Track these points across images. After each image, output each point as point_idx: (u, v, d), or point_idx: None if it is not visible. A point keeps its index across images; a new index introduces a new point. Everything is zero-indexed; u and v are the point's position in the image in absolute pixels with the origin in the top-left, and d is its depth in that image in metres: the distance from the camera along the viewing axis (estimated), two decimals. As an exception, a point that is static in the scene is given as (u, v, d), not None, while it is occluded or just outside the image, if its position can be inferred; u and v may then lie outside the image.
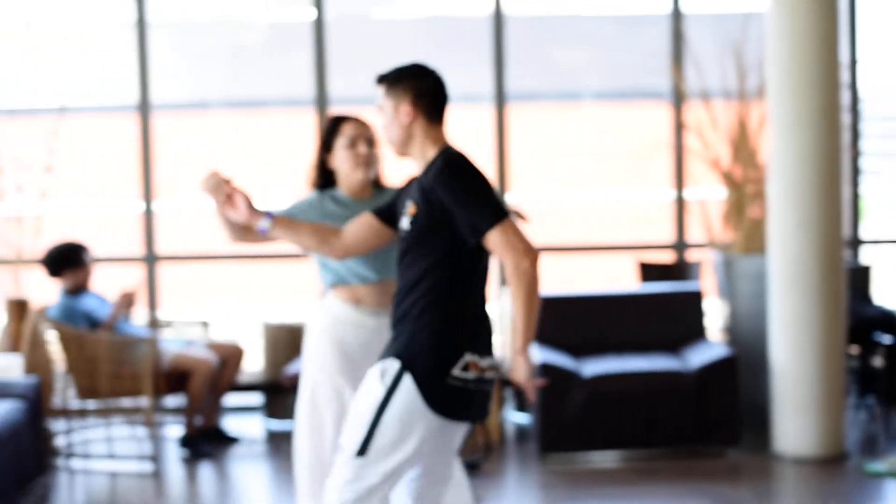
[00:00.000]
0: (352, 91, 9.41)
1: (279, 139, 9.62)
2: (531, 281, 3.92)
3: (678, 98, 8.64)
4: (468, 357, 3.99)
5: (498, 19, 8.68)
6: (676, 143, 8.72)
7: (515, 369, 4.01)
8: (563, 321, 7.88)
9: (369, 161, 4.85)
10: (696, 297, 8.00)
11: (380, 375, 4.01)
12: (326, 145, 4.89)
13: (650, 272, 8.63)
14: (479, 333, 4.07)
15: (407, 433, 3.96)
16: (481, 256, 4.07)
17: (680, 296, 8.03)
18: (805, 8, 7.04)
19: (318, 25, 8.64)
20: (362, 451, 3.96)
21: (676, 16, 8.71)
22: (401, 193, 4.28)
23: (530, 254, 3.93)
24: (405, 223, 4.12)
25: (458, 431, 4.12)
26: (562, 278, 9.65)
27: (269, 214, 4.39)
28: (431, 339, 3.99)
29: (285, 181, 9.61)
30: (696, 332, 7.93)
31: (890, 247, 8.79)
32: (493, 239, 3.95)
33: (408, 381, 3.96)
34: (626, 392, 7.19)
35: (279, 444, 7.75)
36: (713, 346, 7.63)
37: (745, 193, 8.11)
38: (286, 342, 8.20)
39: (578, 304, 7.96)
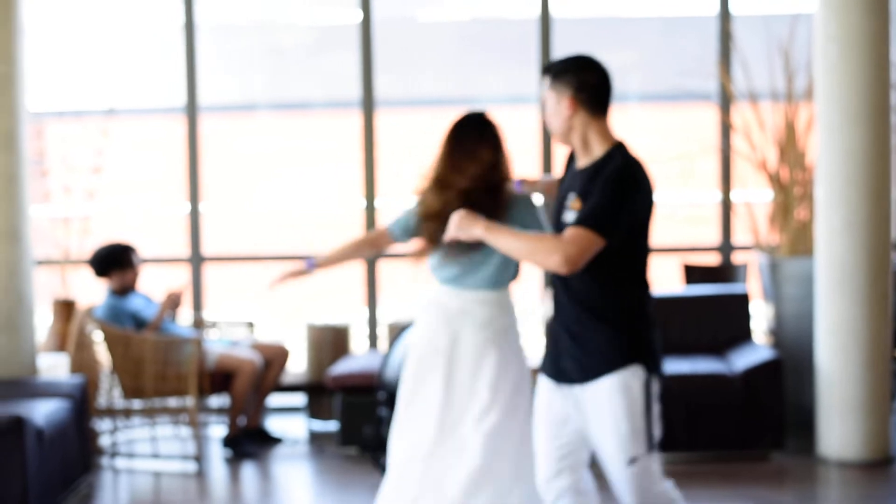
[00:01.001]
0: (397, 92, 9.43)
1: (324, 141, 9.64)
2: (538, 257, 4.03)
3: (725, 99, 8.60)
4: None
5: (545, 22, 8.67)
6: (723, 144, 8.68)
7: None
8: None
9: None
10: (741, 300, 7.95)
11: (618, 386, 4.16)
12: None
13: (695, 274, 8.59)
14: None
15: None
16: (643, 263, 4.26)
17: (725, 298, 7.98)
18: (855, 8, 6.99)
19: (365, 27, 8.65)
20: (651, 447, 4.21)
21: (724, 17, 8.67)
22: (562, 182, 4.36)
23: (567, 262, 3.98)
24: (569, 216, 4.16)
25: None
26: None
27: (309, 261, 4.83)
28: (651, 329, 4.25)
29: (330, 183, 9.65)
30: (741, 335, 7.89)
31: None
32: (569, 231, 4.03)
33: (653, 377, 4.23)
34: (671, 394, 7.13)
35: (321, 445, 7.76)
36: (758, 348, 7.58)
37: (792, 195, 8.05)
38: (330, 343, 8.21)
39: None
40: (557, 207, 4.28)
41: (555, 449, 4.31)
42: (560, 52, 8.70)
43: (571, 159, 4.34)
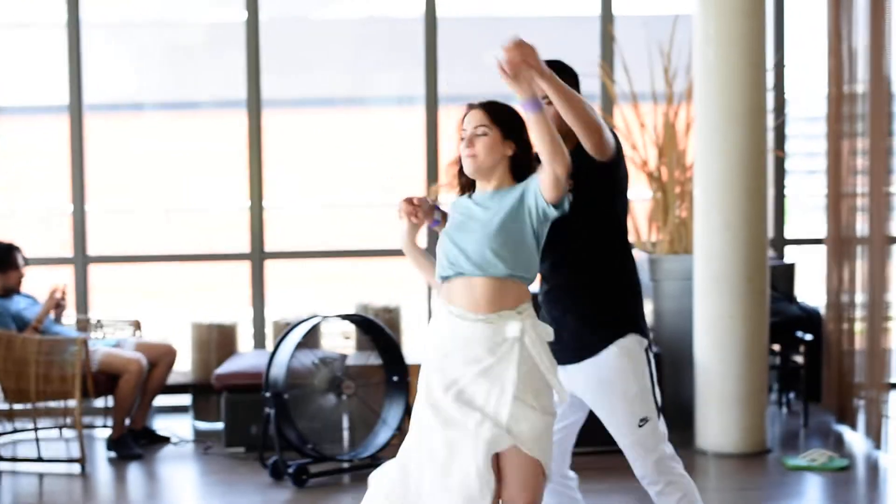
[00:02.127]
0: (288, 93, 9.44)
1: (212, 141, 9.62)
2: (595, 129, 4.18)
3: (608, 100, 8.73)
4: None
5: (431, 21, 8.72)
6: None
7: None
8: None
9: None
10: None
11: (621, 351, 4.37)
12: None
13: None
14: None
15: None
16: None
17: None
18: (731, 10, 7.13)
19: (251, 26, 8.62)
20: (658, 411, 4.44)
21: (606, 18, 8.79)
22: None
23: (605, 147, 4.23)
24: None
25: None
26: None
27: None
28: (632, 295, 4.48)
29: (218, 183, 9.62)
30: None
31: (813, 246, 8.92)
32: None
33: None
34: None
35: (208, 445, 7.75)
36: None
37: (671, 194, 8.20)
38: (216, 343, 8.21)
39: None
40: None
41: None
42: (447, 51, 8.75)
43: None
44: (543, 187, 3.96)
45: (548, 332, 4.07)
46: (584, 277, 4.36)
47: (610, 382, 4.38)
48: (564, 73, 4.31)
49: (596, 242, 4.37)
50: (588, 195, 4.25)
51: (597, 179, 4.28)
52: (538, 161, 3.97)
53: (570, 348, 4.38)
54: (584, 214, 4.26)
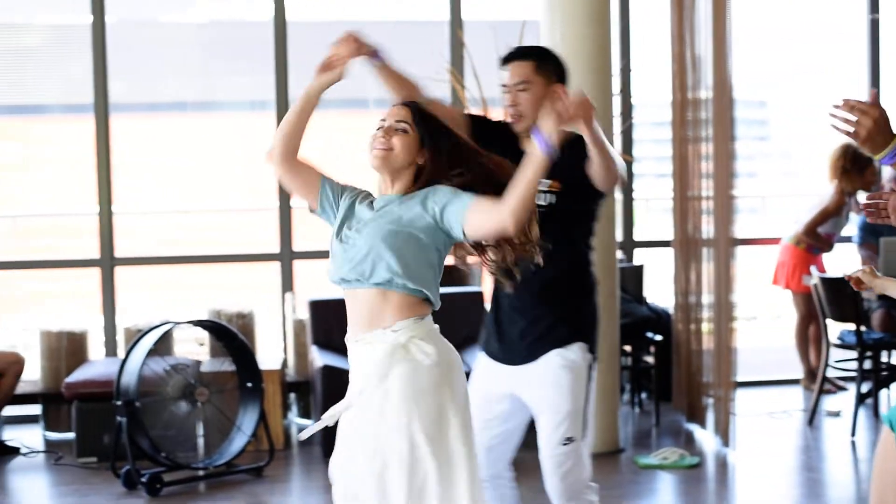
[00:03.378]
0: (137, 97, 9.33)
1: (60, 146, 9.46)
2: (617, 172, 4.28)
3: (458, 105, 8.78)
4: None
5: (280, 25, 8.69)
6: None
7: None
8: (345, 325, 7.92)
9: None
10: (477, 298, 8.12)
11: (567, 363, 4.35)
12: None
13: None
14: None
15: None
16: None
17: (460, 296, 8.13)
18: (578, 16, 7.22)
19: (97, 29, 8.50)
20: (585, 434, 4.42)
21: (455, 22, 8.85)
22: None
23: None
24: (547, 198, 4.34)
25: None
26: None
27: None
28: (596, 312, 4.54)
29: (66, 189, 9.47)
30: (475, 336, 8.06)
31: (661, 249, 9.09)
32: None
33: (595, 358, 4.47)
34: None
35: (59, 455, 7.62)
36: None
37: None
38: (66, 350, 8.07)
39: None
40: None
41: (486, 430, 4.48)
42: (297, 55, 8.73)
43: (496, 138, 4.32)
44: (474, 224, 3.65)
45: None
46: (549, 274, 4.20)
47: (546, 391, 4.37)
48: (554, 61, 4.37)
49: (569, 242, 4.38)
50: (577, 193, 4.31)
51: (589, 184, 4.30)
52: (449, 178, 3.79)
53: (515, 349, 4.41)
54: (567, 212, 4.29)
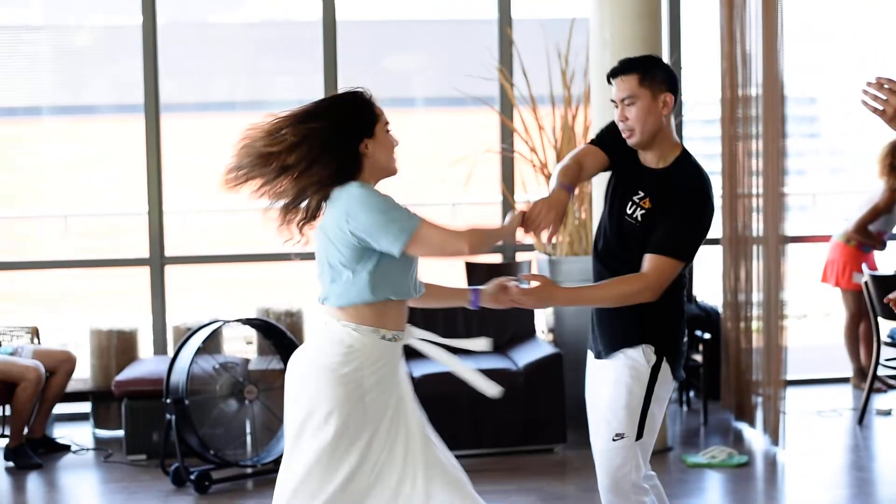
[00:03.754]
0: (187, 97, 9.37)
1: (112, 146, 9.52)
2: (626, 301, 4.25)
3: (507, 103, 8.78)
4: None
5: (329, 24, 8.71)
6: (504, 147, 8.85)
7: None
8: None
9: None
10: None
11: (630, 361, 4.36)
12: (368, 130, 3.96)
13: (479, 273, 8.73)
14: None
15: (663, 406, 4.44)
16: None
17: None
18: (628, 13, 7.21)
19: (148, 29, 8.55)
20: (640, 435, 4.36)
21: (504, 21, 8.84)
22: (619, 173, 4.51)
23: (654, 293, 4.22)
24: (638, 213, 4.33)
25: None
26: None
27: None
28: (674, 319, 4.42)
29: (117, 189, 9.53)
30: (524, 332, 8.07)
31: (711, 246, 9.03)
32: (653, 260, 4.23)
33: (665, 362, 4.38)
34: (454, 393, 7.27)
35: (109, 452, 7.68)
36: (540, 345, 7.77)
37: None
38: (116, 349, 8.13)
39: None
40: (618, 196, 4.43)
41: None
42: (346, 55, 8.75)
43: (626, 149, 4.44)
44: (416, 250, 3.91)
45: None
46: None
47: (606, 386, 4.41)
48: (661, 71, 4.34)
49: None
50: (661, 216, 4.31)
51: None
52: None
53: (597, 343, 4.51)
54: (650, 227, 4.30)
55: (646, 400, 4.35)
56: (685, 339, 4.50)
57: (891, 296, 4.11)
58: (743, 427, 7.93)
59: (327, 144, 3.89)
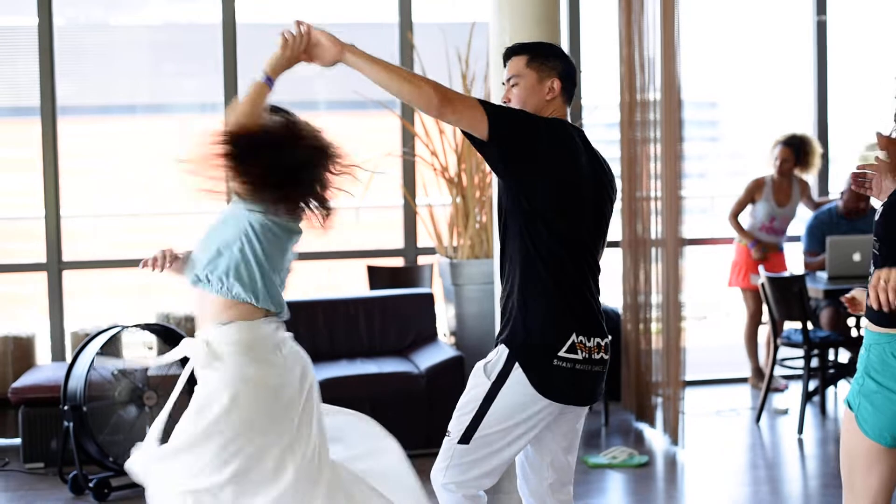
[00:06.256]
0: (86, 100, 9.26)
1: (7, 149, 9.38)
2: (416, 95, 4.01)
3: (407, 107, 8.78)
4: (574, 337, 4.04)
5: (230, 26, 8.66)
6: (406, 151, 8.86)
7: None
8: (295, 327, 7.92)
9: None
10: (426, 301, 8.12)
11: (484, 365, 4.11)
12: None
13: (380, 277, 8.74)
14: (585, 313, 4.08)
15: (515, 421, 4.06)
16: (571, 235, 4.06)
17: (410, 299, 8.13)
18: (526, 18, 7.22)
19: (44, 30, 8.44)
20: (465, 439, 4.10)
21: (405, 24, 8.85)
22: None
23: (445, 104, 3.95)
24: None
25: (569, 413, 4.18)
26: (293, 286, 9.67)
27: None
28: (543, 319, 4.05)
29: (13, 192, 9.39)
30: (427, 336, 8.08)
31: (610, 249, 9.10)
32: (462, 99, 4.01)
33: (517, 368, 4.03)
34: (357, 396, 7.26)
35: (6, 461, 7.57)
36: (442, 347, 7.78)
37: (472, 200, 8.30)
38: (13, 355, 8.01)
39: (309, 309, 7.98)
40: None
41: None
42: (247, 57, 8.70)
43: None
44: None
45: None
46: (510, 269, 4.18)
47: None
48: (552, 55, 4.19)
49: (518, 237, 4.13)
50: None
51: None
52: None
53: None
54: (512, 212, 4.10)
55: (482, 405, 4.08)
56: (579, 354, 4.05)
57: (847, 295, 4.17)
58: (643, 427, 8.00)
59: None
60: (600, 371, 4.15)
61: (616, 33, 8.24)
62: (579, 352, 4.03)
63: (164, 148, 9.64)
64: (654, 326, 7.90)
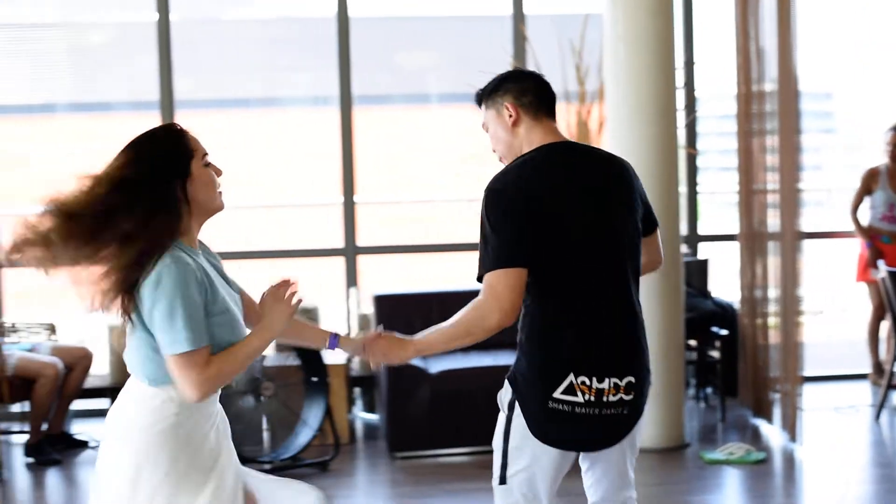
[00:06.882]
0: (200, 94, 9.38)
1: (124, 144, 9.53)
2: (479, 332, 3.73)
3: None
4: (573, 378, 3.71)
5: (343, 21, 8.72)
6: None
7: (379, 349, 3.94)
8: (409, 319, 7.96)
9: None
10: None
11: (499, 396, 3.89)
12: (184, 169, 3.51)
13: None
14: (587, 352, 3.74)
15: (525, 459, 3.79)
16: (565, 272, 3.75)
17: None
18: (641, 9, 7.20)
19: (163, 27, 8.57)
20: (502, 479, 3.82)
21: (518, 17, 8.85)
22: None
23: (506, 312, 3.67)
24: None
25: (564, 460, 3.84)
26: (408, 277, 9.73)
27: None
28: (541, 357, 3.77)
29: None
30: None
31: (726, 242, 9.03)
32: (484, 283, 3.70)
33: (517, 407, 3.79)
34: (471, 389, 7.29)
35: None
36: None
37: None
38: (133, 346, 8.13)
39: (425, 301, 8.03)
40: None
41: None
42: (360, 51, 8.75)
43: None
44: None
45: None
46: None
47: None
48: (494, 86, 3.93)
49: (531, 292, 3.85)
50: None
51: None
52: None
53: None
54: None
55: (503, 442, 3.82)
56: (580, 396, 3.71)
57: None
58: (761, 423, 7.92)
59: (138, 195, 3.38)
60: (617, 414, 3.76)
61: (731, 23, 8.15)
62: (580, 394, 3.70)
63: (276, 141, 9.74)
64: (772, 321, 7.81)
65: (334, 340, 3.96)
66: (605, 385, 3.72)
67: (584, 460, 3.94)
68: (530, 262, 3.69)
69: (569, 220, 3.75)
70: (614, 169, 3.93)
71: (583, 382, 3.70)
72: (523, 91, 3.90)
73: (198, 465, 3.44)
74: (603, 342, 3.75)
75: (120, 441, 3.43)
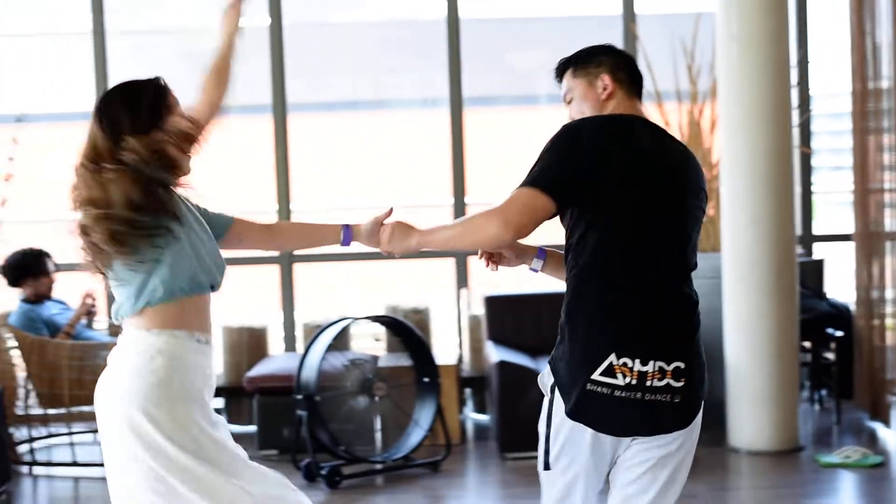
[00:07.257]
0: (311, 97, 9.47)
1: (240, 145, 9.65)
2: (477, 237, 3.58)
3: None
4: (614, 359, 3.48)
5: (453, 22, 8.74)
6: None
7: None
8: (520, 320, 7.98)
9: None
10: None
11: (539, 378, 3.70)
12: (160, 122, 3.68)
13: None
14: (633, 333, 3.51)
15: (562, 442, 3.59)
16: (619, 241, 3.54)
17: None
18: (754, 8, 7.14)
19: (275, 31, 8.66)
20: (546, 465, 3.62)
21: (629, 17, 8.81)
22: None
23: (508, 225, 3.48)
24: None
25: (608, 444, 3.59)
26: (518, 278, 9.73)
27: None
28: (582, 337, 3.55)
29: (247, 188, 9.66)
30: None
31: (841, 243, 8.91)
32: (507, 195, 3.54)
33: (557, 392, 3.58)
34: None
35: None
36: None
37: (698, 191, 8.20)
38: (246, 345, 8.24)
39: (535, 302, 8.03)
40: None
41: None
42: (470, 53, 8.76)
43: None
44: None
45: None
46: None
47: None
48: (594, 56, 3.77)
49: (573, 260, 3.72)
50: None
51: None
52: None
53: None
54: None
55: (546, 425, 3.62)
56: (620, 378, 3.47)
57: None
58: (877, 426, 7.80)
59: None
60: (663, 401, 3.50)
61: (846, 21, 8.04)
62: (620, 376, 3.46)
63: (386, 142, 9.80)
64: (889, 322, 7.70)
65: (347, 231, 4.05)
66: (648, 368, 3.48)
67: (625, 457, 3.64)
68: (565, 200, 3.52)
69: (637, 187, 3.56)
70: (692, 157, 3.78)
71: (624, 364, 3.47)
72: (619, 66, 3.76)
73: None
74: (651, 323, 3.51)
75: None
